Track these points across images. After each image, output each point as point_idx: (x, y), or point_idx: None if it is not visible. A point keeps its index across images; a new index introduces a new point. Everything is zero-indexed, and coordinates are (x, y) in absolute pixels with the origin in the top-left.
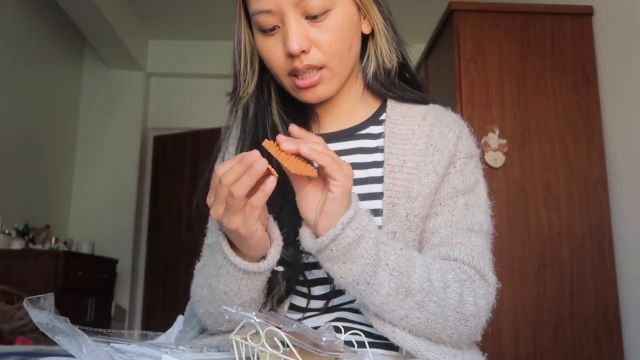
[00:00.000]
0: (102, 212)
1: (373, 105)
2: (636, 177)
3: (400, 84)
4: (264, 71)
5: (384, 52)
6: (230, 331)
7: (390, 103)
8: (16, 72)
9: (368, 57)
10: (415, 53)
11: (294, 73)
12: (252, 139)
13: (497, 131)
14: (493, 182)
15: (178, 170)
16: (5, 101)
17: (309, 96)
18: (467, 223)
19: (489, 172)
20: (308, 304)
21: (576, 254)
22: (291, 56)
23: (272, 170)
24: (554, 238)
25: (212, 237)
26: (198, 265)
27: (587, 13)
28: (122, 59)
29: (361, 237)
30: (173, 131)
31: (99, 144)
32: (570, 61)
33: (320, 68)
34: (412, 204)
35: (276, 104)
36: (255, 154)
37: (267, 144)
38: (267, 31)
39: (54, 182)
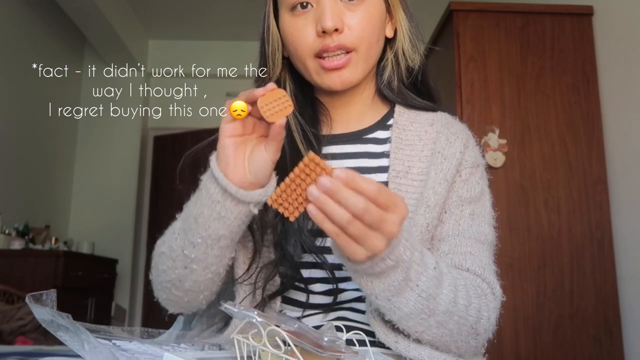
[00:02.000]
0: (102, 212)
1: (382, 109)
2: (636, 177)
3: (410, 93)
4: (281, 69)
5: (406, 52)
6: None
7: (399, 109)
8: (16, 72)
9: (385, 61)
10: None
11: (321, 54)
12: None
13: (497, 131)
14: (493, 182)
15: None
16: (5, 101)
17: (334, 79)
18: (474, 232)
19: (489, 172)
20: (308, 298)
21: (576, 254)
22: (323, 34)
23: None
24: (554, 238)
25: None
26: (159, 242)
27: (587, 13)
28: (122, 59)
29: (392, 267)
30: (173, 131)
31: (99, 144)
32: (570, 61)
33: (350, 51)
34: (431, 214)
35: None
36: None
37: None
38: (298, 11)
39: (54, 182)
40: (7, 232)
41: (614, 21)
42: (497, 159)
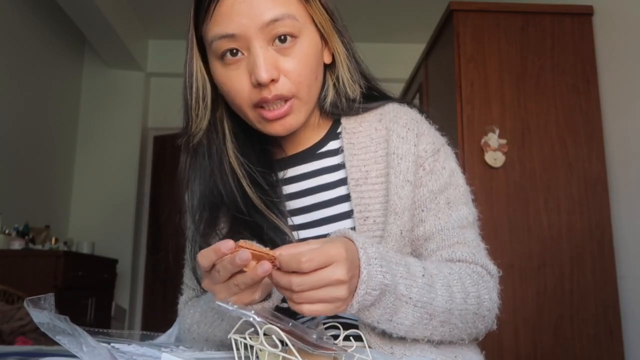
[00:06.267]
0: (102, 212)
1: (330, 119)
2: (636, 177)
3: (357, 104)
4: (216, 108)
5: (346, 82)
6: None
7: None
8: (16, 72)
9: (326, 90)
10: (415, 53)
11: (260, 104)
12: (213, 188)
13: (497, 131)
14: (493, 182)
15: (178, 170)
16: (6, 101)
17: (277, 128)
18: (455, 221)
19: (489, 172)
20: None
21: (576, 254)
22: (259, 86)
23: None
24: (554, 238)
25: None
26: (182, 300)
27: (587, 13)
28: (122, 59)
29: (380, 295)
30: (173, 131)
31: (98, 144)
32: (570, 61)
33: (289, 98)
34: (402, 220)
35: (231, 144)
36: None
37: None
38: (229, 59)
39: (54, 182)
40: (7, 232)
41: (614, 21)
42: (497, 159)
